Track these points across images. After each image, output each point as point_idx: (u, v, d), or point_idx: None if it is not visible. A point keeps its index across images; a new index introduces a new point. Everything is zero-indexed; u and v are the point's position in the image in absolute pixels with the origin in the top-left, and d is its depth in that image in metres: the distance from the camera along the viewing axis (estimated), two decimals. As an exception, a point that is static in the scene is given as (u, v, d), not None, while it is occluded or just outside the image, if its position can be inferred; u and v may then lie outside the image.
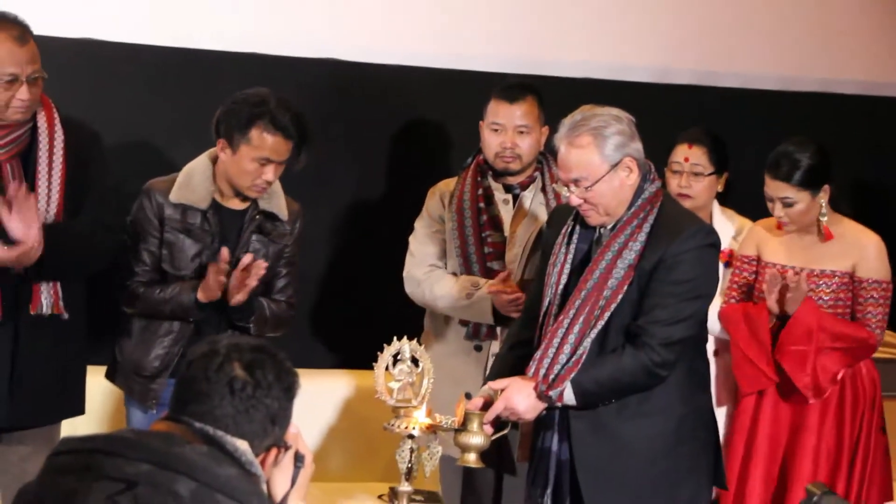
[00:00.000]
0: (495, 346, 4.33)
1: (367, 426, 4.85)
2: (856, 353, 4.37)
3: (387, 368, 3.57)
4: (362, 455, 5.06)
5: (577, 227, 3.71)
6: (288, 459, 2.46)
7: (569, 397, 3.58)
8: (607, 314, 3.59)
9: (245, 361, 2.38)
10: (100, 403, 4.74)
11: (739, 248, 4.55)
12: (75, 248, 4.00)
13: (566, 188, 3.64)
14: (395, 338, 3.59)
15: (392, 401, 3.56)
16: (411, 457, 3.53)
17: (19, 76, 3.90)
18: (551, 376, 3.58)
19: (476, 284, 4.33)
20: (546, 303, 3.70)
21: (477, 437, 3.53)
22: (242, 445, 2.35)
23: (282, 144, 4.08)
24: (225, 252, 4.07)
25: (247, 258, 4.06)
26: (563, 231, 3.73)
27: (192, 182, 4.16)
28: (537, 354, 3.63)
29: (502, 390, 3.61)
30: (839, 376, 4.38)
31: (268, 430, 2.38)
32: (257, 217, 4.19)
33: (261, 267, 4.04)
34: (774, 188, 4.35)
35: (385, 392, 3.56)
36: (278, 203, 4.22)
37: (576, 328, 3.59)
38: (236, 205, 4.20)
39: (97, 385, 4.40)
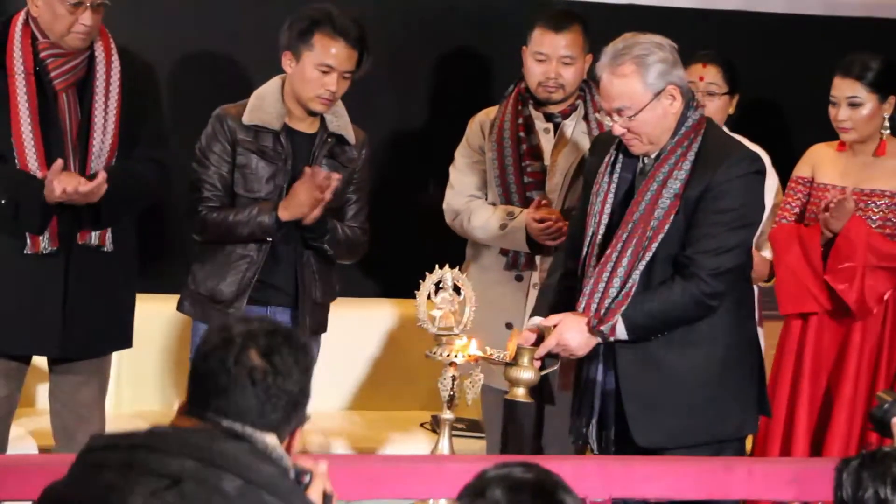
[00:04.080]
0: (535, 277, 4.33)
1: (410, 354, 4.87)
2: None
3: (429, 297, 3.59)
4: (404, 383, 5.09)
5: (621, 156, 3.67)
6: (317, 494, 2.42)
7: (621, 331, 3.56)
8: (655, 245, 3.56)
9: (262, 348, 2.33)
10: (147, 334, 4.75)
11: (795, 169, 4.53)
12: (129, 187, 4.02)
13: (609, 117, 3.61)
14: (437, 266, 3.60)
15: (434, 329, 3.58)
16: (453, 385, 3.55)
17: (84, 1, 3.90)
18: (602, 311, 3.57)
19: (511, 213, 4.32)
20: (590, 232, 3.67)
21: (528, 372, 3.54)
22: (272, 440, 2.32)
23: (343, 50, 4.10)
24: (309, 169, 4.08)
25: (322, 172, 4.08)
26: (607, 160, 3.69)
27: (264, 103, 4.18)
28: (587, 290, 3.61)
29: (554, 326, 3.60)
30: (886, 297, 4.36)
31: (291, 415, 2.35)
32: (328, 140, 4.21)
33: (335, 179, 4.06)
34: (843, 87, 4.31)
35: (427, 320, 3.58)
36: (346, 125, 4.24)
37: (624, 261, 3.57)
38: (306, 127, 4.21)
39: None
